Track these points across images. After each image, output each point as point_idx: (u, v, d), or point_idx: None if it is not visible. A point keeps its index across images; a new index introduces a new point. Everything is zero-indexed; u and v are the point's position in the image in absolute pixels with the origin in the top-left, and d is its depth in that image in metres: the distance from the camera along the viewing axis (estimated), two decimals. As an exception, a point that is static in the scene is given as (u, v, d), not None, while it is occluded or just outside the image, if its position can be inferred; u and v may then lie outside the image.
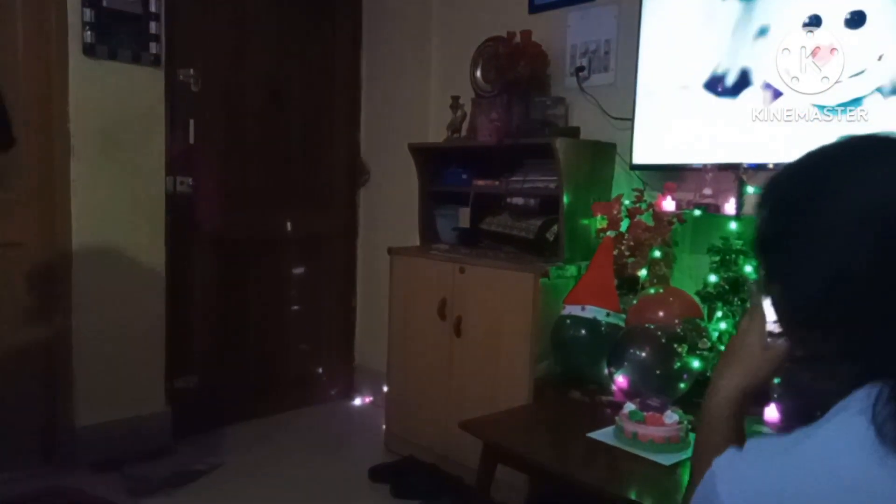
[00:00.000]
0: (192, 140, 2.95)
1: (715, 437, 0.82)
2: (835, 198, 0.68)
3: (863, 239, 0.65)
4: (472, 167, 2.89)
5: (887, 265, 0.64)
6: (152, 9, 2.70)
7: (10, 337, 2.55)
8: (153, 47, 2.72)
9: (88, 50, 2.57)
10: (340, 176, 3.53)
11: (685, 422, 1.75)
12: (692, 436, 1.76)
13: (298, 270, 3.40)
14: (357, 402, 3.48)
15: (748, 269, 1.93)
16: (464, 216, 2.97)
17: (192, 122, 2.94)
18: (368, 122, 3.56)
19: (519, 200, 2.73)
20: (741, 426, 0.83)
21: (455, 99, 2.97)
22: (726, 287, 1.94)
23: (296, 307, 3.40)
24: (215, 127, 3.05)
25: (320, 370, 3.50)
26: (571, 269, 2.43)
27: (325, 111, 3.45)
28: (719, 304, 1.96)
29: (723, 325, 1.94)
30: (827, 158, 0.72)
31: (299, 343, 3.42)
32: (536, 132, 2.63)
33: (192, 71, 2.93)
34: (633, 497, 1.53)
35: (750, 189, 2.15)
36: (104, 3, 2.58)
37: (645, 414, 1.76)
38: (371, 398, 3.43)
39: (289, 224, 3.34)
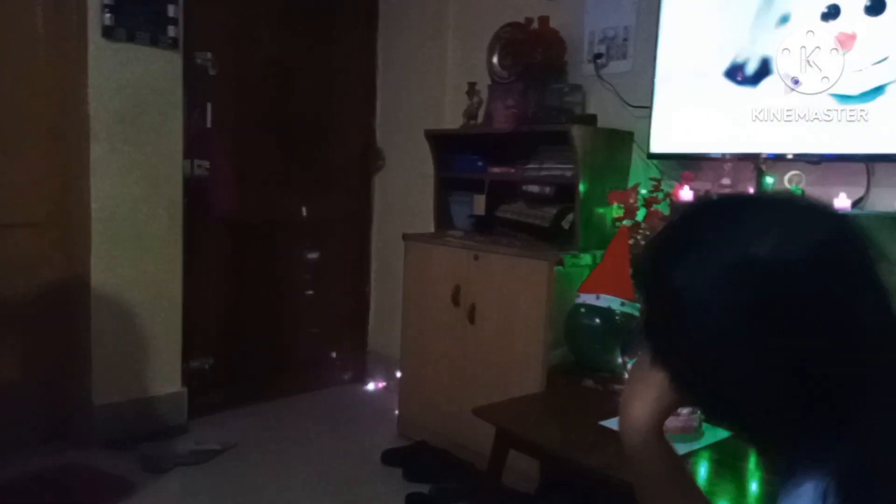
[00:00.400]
0: (209, 123, 2.96)
1: (643, 474, 0.76)
2: (700, 267, 0.61)
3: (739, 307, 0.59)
4: (487, 154, 2.88)
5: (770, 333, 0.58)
6: None
7: (29, 316, 2.59)
8: (171, 30, 2.73)
9: (107, 32, 2.58)
10: (355, 161, 3.53)
11: (698, 412, 1.74)
12: (706, 426, 1.76)
13: (313, 255, 3.42)
14: (370, 386, 3.51)
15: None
16: (479, 203, 2.97)
17: (209, 105, 2.96)
18: (384, 107, 3.55)
19: (534, 188, 2.72)
20: (666, 453, 0.75)
21: (471, 85, 2.95)
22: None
23: (310, 291, 3.42)
24: (232, 110, 3.06)
25: (333, 354, 3.52)
26: (586, 258, 2.42)
27: (340, 96, 3.45)
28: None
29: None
30: (688, 227, 0.66)
31: (312, 327, 3.44)
32: (553, 119, 2.62)
33: (209, 55, 2.94)
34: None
35: (769, 179, 2.13)
36: None
37: (658, 403, 1.76)
38: (384, 383, 3.45)
39: (304, 209, 3.35)
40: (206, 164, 2.95)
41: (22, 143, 2.55)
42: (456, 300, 2.60)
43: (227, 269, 3.12)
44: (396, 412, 2.91)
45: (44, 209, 2.61)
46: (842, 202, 1.94)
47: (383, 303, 3.52)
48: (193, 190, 2.90)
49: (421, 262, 2.79)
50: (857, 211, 1.95)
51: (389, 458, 2.58)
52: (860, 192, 1.99)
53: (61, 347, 2.66)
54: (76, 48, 2.57)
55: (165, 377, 2.83)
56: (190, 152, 2.87)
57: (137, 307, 2.73)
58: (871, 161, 1.94)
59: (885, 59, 1.85)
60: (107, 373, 2.67)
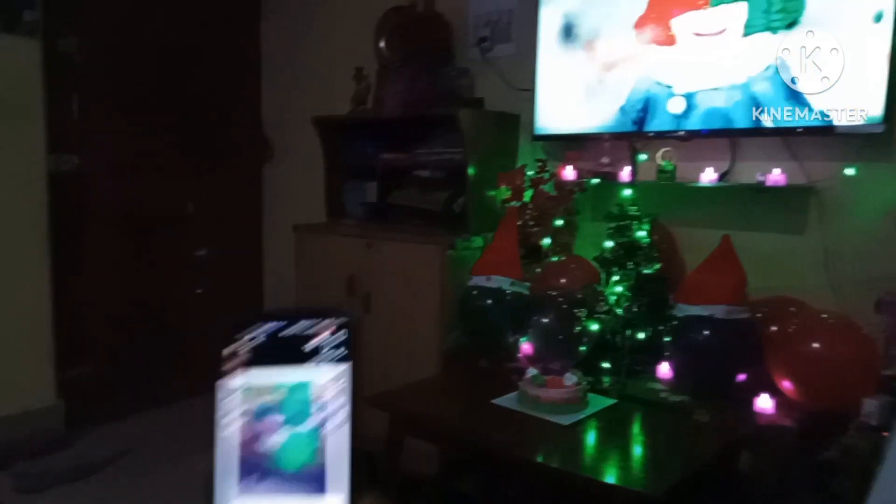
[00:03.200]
0: (75, 115, 2.76)
1: None
2: None
3: None
4: (378, 140, 2.84)
5: None
6: None
7: None
8: (28, 15, 2.52)
9: None
10: (244, 151, 3.40)
11: (584, 383, 1.80)
12: (591, 396, 1.82)
13: (202, 250, 3.27)
14: None
15: (641, 233, 2.00)
16: (371, 191, 2.93)
17: (75, 95, 2.75)
18: (271, 95, 3.44)
19: (425, 173, 2.71)
20: None
21: (359, 70, 2.90)
22: (622, 252, 2.00)
23: (200, 289, 3.27)
24: (104, 101, 2.87)
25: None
26: (478, 241, 2.44)
27: (225, 84, 3.31)
28: (615, 269, 2.02)
29: (619, 289, 2.00)
30: None
31: (206, 325, 3.29)
32: (441, 103, 2.61)
33: (75, 40, 2.73)
34: (539, 459, 1.56)
35: (643, 156, 2.22)
36: None
37: (546, 378, 1.80)
38: None
39: (190, 203, 3.20)
40: (75, 158, 2.75)
41: None
42: (350, 289, 2.56)
43: (111, 270, 2.93)
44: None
45: None
46: (709, 175, 2.05)
47: (279, 296, 3.42)
48: (62, 187, 2.69)
49: (314, 253, 2.73)
50: (723, 183, 2.07)
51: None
52: (726, 165, 2.10)
53: None
54: None
55: (38, 389, 2.63)
56: (55, 147, 2.67)
57: (1, 314, 2.52)
58: (734, 137, 2.05)
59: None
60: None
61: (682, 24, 2.07)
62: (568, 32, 2.36)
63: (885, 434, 1.48)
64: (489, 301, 2.19)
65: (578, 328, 1.99)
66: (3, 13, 2.46)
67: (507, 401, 1.83)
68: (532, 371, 1.83)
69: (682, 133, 2.07)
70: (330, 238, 2.68)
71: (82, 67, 2.76)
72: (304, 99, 3.23)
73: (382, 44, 2.85)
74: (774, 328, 1.77)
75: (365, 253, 2.54)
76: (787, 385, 1.71)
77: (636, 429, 1.76)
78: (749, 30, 1.94)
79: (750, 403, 1.71)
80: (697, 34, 2.04)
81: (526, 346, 2.14)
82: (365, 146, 2.87)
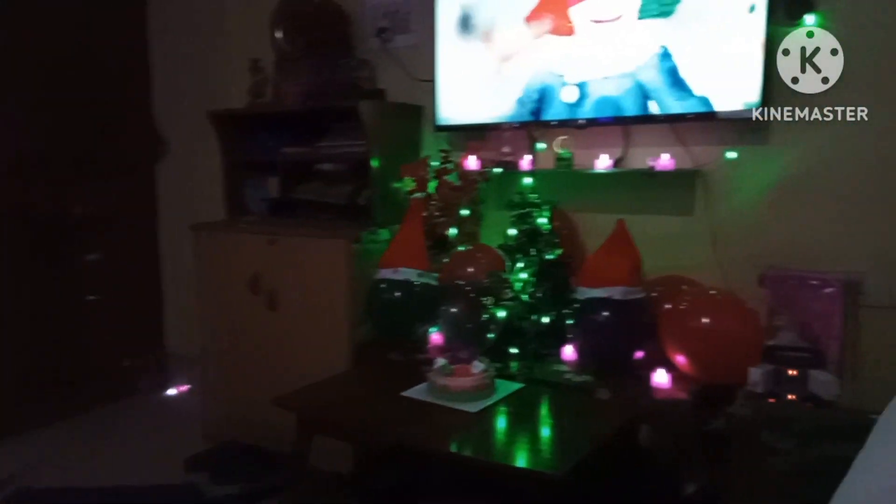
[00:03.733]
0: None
1: None
2: None
3: None
4: (279, 134, 2.76)
5: None
6: None
7: None
8: None
9: None
10: (134, 148, 3.21)
11: (491, 370, 1.82)
12: (499, 382, 1.84)
13: (94, 254, 3.07)
14: (172, 391, 3.24)
15: (542, 220, 2.04)
16: (273, 186, 2.84)
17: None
18: (162, 90, 3.27)
19: (329, 166, 2.66)
20: None
21: (255, 62, 2.81)
22: (524, 239, 2.04)
23: (94, 295, 3.07)
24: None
25: (127, 362, 3.20)
26: (384, 233, 2.42)
27: (111, 76, 3.11)
28: (519, 256, 2.05)
29: (523, 275, 2.04)
30: None
31: (99, 334, 3.10)
32: (342, 95, 2.56)
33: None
34: (453, 449, 1.57)
35: (541, 145, 2.27)
36: None
37: (454, 367, 1.81)
38: (188, 386, 3.21)
39: (79, 203, 2.99)
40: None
41: None
42: (255, 288, 2.48)
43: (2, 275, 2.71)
44: (202, 415, 2.72)
45: None
46: (604, 162, 2.12)
47: (179, 301, 3.27)
48: None
49: (215, 253, 2.62)
50: (617, 169, 2.14)
51: (194, 463, 2.41)
52: (619, 152, 2.18)
53: None
54: None
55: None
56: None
57: None
58: (626, 125, 2.13)
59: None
60: None
61: (580, 11, 2.12)
62: (466, 23, 2.37)
63: (772, 401, 1.58)
64: (397, 293, 2.18)
65: (486, 316, 2.01)
66: None
67: (416, 392, 1.82)
68: (440, 361, 1.84)
69: (580, 122, 2.13)
70: (230, 236, 2.59)
71: None
72: (197, 93, 3.09)
73: (279, 34, 2.76)
74: (668, 306, 1.86)
75: (268, 250, 2.46)
76: (680, 360, 1.80)
77: (543, 411, 1.80)
78: (643, 14, 2.01)
79: (648, 379, 1.78)
80: (595, 21, 2.10)
81: (435, 337, 2.14)
82: (265, 140, 2.77)
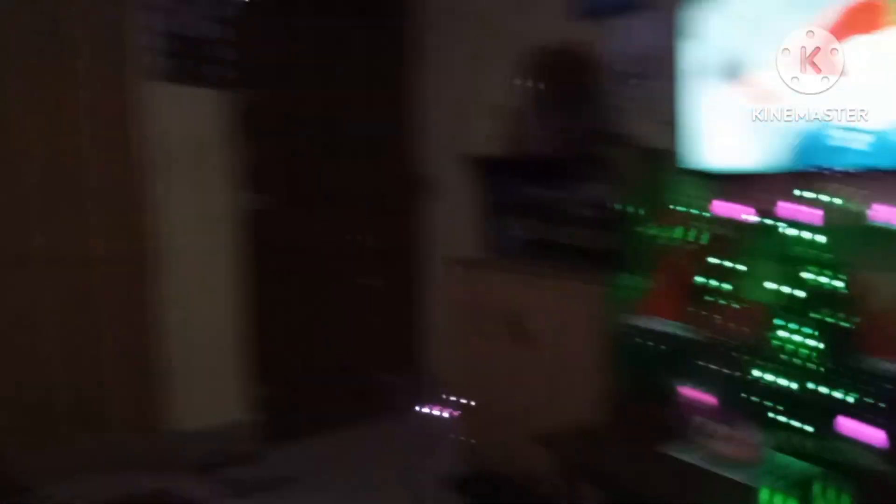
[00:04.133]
0: (260, 158, 3.04)
1: None
2: None
3: None
4: (533, 176, 2.89)
5: None
6: (220, 34, 2.81)
7: (105, 342, 2.72)
8: (219, 70, 2.83)
9: (159, 74, 2.69)
10: (398, 187, 3.59)
11: (763, 439, 1.74)
12: (776, 455, 1.75)
13: (366, 279, 3.48)
14: (433, 412, 3.51)
15: (823, 278, 1.90)
16: (526, 227, 2.97)
17: (258, 141, 3.03)
18: (425, 128, 3.59)
19: (582, 210, 2.72)
20: None
21: (513, 107, 2.97)
22: (801, 298, 1.91)
23: (367, 316, 3.48)
24: (283, 145, 3.15)
25: (395, 380, 3.56)
26: (639, 280, 2.42)
27: (380, 118, 3.50)
28: (794, 316, 1.93)
29: (799, 338, 1.91)
30: None
31: (365, 351, 3.50)
32: (591, 140, 2.62)
33: (257, 92, 3.02)
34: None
35: (819, 196, 2.10)
36: (173, 29, 2.71)
37: (722, 431, 1.76)
38: (447, 409, 3.46)
39: (356, 234, 3.43)
40: (260, 196, 3.04)
41: (87, 181, 2.67)
42: (509, 325, 2.63)
43: (285, 296, 3.21)
44: (461, 439, 2.91)
45: (112, 243, 2.75)
46: (900, 217, 1.91)
47: (439, 328, 3.56)
48: (253, 221, 2.98)
49: (471, 288, 2.82)
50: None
51: (457, 487, 2.61)
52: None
53: (137, 372, 2.82)
54: (129, 90, 2.69)
55: (238, 404, 2.93)
56: (245, 185, 2.96)
57: (207, 334, 2.86)
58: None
59: None
60: (182, 398, 2.79)
61: (854, 49, 1.95)
62: (721, 64, 2.28)
63: None
64: (654, 343, 2.17)
65: (752, 377, 1.93)
66: (201, 69, 2.78)
67: (681, 452, 1.81)
68: (706, 421, 1.80)
69: (861, 170, 1.95)
70: (486, 273, 2.77)
71: (262, 116, 3.05)
72: (457, 132, 3.35)
73: (533, 81, 2.91)
74: None
75: (523, 289, 2.60)
76: None
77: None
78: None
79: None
80: (871, 61, 1.91)
81: (695, 394, 2.09)
82: (519, 182, 2.92)
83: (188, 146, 2.81)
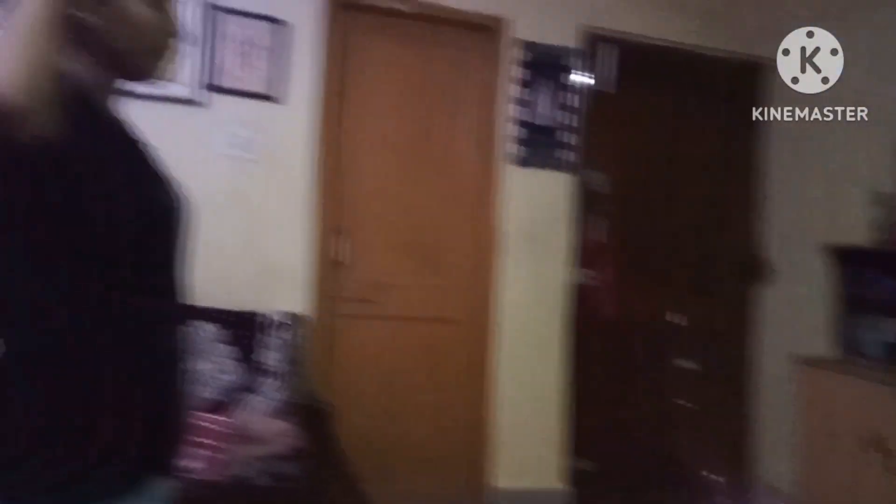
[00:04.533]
0: (598, 237, 3.21)
1: None
2: None
3: None
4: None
5: None
6: (568, 121, 3.08)
7: (440, 398, 3.05)
8: (567, 155, 3.08)
9: (517, 160, 3.02)
10: (734, 268, 3.42)
11: None
12: None
13: (687, 362, 3.37)
14: None
15: None
16: (887, 326, 2.61)
17: (599, 221, 3.21)
18: (769, 213, 3.39)
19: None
20: None
21: (883, 195, 2.67)
22: None
23: (684, 401, 3.35)
24: (616, 224, 3.28)
25: (711, 475, 3.35)
26: None
27: (718, 200, 3.42)
28: None
29: None
30: None
31: (688, 441, 3.34)
32: None
33: (600, 175, 3.21)
34: None
35: None
36: (532, 120, 3.04)
37: None
38: None
39: (677, 314, 3.36)
40: (592, 272, 3.19)
41: (446, 252, 3.10)
42: (871, 443, 2.30)
43: (610, 372, 3.26)
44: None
45: (458, 308, 3.09)
46: None
47: (773, 429, 3.25)
48: (580, 296, 3.15)
49: (821, 393, 2.55)
50: None
51: None
52: None
53: (469, 430, 3.06)
54: (492, 174, 3.05)
55: (544, 472, 3.04)
56: (579, 262, 3.15)
57: (528, 401, 3.03)
58: None
59: None
60: (501, 459, 3.00)
61: None
62: None
63: None
64: None
65: None
66: (551, 155, 3.07)
67: None
68: None
69: None
70: (842, 377, 2.48)
71: (605, 198, 3.22)
72: (808, 220, 3.11)
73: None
74: None
75: (888, 402, 2.27)
76: None
77: None
78: None
79: None
80: None
81: None
82: (886, 278, 2.59)
83: (535, 223, 3.07)
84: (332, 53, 2.82)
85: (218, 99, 2.66)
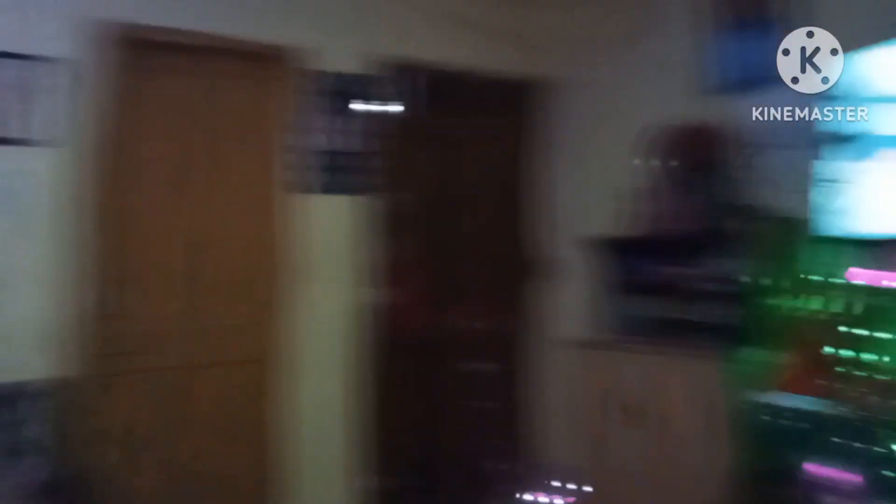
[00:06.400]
0: (402, 255, 3.26)
1: None
2: None
3: None
4: (653, 254, 2.87)
5: None
6: (366, 147, 3.11)
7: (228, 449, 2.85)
8: (367, 179, 3.10)
9: (313, 187, 3.00)
10: (514, 269, 3.66)
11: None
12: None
13: (487, 364, 3.52)
14: (549, 499, 3.41)
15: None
16: (647, 305, 2.92)
17: (403, 240, 3.27)
18: (547, 212, 3.66)
19: (706, 285, 2.66)
20: None
21: (633, 186, 2.98)
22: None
23: (481, 403, 3.49)
24: (421, 242, 3.35)
25: (509, 468, 3.49)
26: (765, 355, 2.30)
27: (509, 209, 3.63)
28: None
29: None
30: None
31: (488, 440, 3.46)
32: (722, 215, 2.57)
33: (397, 196, 3.25)
34: None
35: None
36: (329, 147, 3.03)
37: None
38: (565, 497, 3.35)
39: (467, 320, 3.49)
40: (387, 291, 3.22)
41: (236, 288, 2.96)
42: (629, 408, 2.57)
43: (415, 387, 3.29)
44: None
45: (255, 348, 2.98)
46: None
47: (554, 411, 3.48)
48: (383, 315, 3.16)
49: (598, 371, 2.79)
50: None
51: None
52: None
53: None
54: (286, 204, 2.98)
55: (343, 495, 2.99)
56: (382, 282, 3.16)
57: (327, 428, 2.98)
58: None
59: None
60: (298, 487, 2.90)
61: None
62: (853, 138, 2.20)
63: None
64: (785, 420, 2.03)
65: (883, 451, 1.74)
66: (346, 180, 3.06)
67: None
68: (837, 500, 1.64)
69: None
70: (605, 353, 2.75)
71: (406, 217, 3.28)
72: (572, 213, 3.40)
73: (659, 159, 2.91)
74: None
75: (644, 370, 2.55)
76: None
77: None
78: None
79: None
80: None
81: (828, 472, 1.91)
82: (640, 260, 2.91)
83: (333, 249, 3.03)
84: (107, 91, 2.59)
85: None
